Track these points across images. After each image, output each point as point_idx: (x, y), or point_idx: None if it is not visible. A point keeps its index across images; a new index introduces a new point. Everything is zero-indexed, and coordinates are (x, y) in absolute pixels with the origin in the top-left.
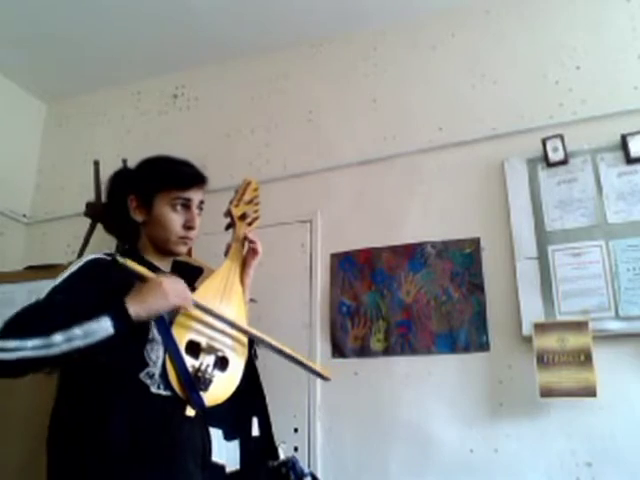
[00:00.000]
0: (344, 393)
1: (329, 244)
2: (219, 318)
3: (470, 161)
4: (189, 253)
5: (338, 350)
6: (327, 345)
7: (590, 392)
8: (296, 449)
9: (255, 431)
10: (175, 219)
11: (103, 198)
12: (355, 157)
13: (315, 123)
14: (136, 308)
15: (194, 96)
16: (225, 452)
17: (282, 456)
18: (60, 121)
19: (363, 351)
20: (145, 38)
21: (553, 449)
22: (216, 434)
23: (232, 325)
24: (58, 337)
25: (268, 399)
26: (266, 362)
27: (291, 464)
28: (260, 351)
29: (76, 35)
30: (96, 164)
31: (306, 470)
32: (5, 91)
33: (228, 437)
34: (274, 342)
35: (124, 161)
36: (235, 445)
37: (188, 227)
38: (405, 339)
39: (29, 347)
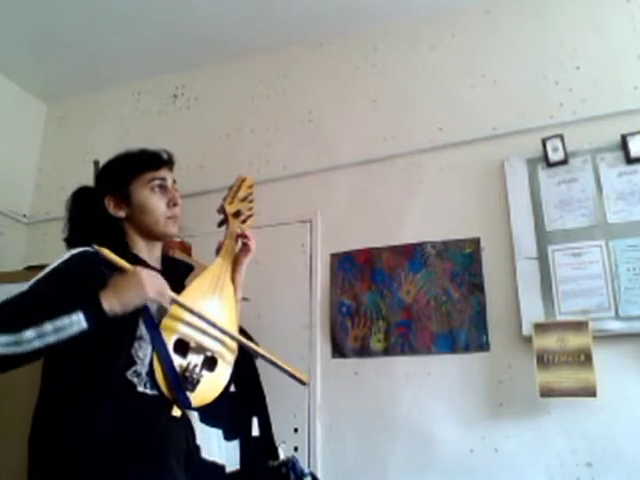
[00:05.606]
0: (344, 393)
1: (329, 244)
2: (199, 316)
3: (470, 161)
4: (189, 253)
5: (338, 350)
6: (327, 345)
7: (590, 392)
8: (296, 449)
9: (255, 431)
10: (157, 200)
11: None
12: (355, 157)
13: (315, 123)
14: (111, 302)
15: (194, 96)
16: (225, 452)
17: (282, 456)
18: (60, 121)
19: (363, 351)
20: (145, 38)
21: (553, 449)
22: (216, 434)
23: (212, 324)
24: (29, 333)
25: (268, 399)
26: (266, 362)
27: (291, 464)
28: None
29: (76, 35)
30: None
31: (306, 470)
32: (5, 91)
33: (228, 437)
34: (252, 345)
35: None
36: (235, 445)
37: (173, 204)
38: (405, 339)
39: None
